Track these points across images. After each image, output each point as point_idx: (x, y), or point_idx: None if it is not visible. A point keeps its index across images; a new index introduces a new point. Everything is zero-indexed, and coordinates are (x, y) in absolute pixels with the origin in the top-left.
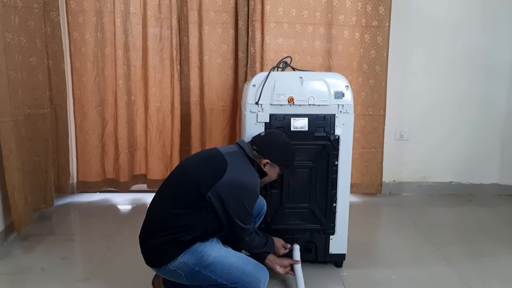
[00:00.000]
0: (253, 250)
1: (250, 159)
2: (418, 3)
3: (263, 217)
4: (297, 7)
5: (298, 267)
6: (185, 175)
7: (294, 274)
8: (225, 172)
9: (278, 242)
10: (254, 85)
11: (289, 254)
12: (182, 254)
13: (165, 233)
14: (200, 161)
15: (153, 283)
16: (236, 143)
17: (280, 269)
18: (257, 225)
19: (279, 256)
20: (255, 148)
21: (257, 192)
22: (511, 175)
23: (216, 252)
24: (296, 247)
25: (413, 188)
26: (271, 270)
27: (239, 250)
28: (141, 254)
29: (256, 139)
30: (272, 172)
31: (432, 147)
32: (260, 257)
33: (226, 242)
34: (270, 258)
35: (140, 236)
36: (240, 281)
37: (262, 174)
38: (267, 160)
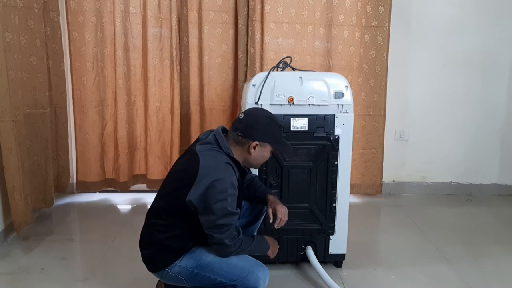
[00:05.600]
0: (242, 253)
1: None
2: (418, 3)
3: (262, 218)
4: (297, 7)
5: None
6: (165, 184)
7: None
8: (196, 175)
9: (273, 242)
10: (254, 85)
11: (305, 258)
12: (181, 259)
13: (158, 243)
14: (178, 163)
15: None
16: (214, 136)
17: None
18: (257, 227)
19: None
20: (239, 133)
21: (227, 186)
22: (510, 175)
23: None
24: (309, 247)
25: (413, 188)
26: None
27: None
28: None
29: (238, 124)
30: (264, 151)
31: (432, 147)
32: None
33: None
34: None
35: (139, 246)
36: (238, 278)
37: (238, 164)
38: (256, 142)
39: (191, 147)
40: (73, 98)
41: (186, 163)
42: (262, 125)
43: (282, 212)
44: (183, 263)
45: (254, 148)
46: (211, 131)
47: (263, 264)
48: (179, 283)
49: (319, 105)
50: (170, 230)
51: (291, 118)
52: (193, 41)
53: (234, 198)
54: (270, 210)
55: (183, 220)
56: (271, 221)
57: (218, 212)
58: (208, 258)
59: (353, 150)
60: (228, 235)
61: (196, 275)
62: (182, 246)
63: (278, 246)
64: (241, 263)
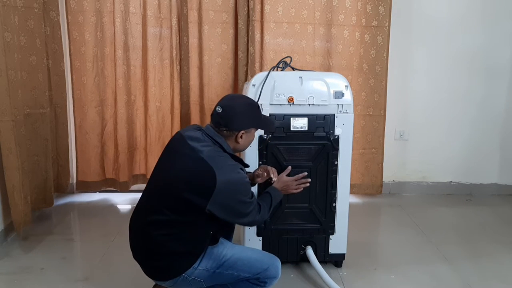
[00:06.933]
0: (268, 211)
1: (228, 152)
2: (418, 3)
3: None
4: (297, 7)
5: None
6: (172, 188)
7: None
8: (215, 185)
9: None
10: (253, 85)
11: (305, 258)
12: (199, 261)
13: (171, 252)
14: (183, 170)
15: None
16: (212, 138)
17: (294, 183)
18: None
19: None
20: (225, 129)
21: (247, 182)
22: (510, 175)
23: (232, 250)
24: (309, 247)
25: (413, 188)
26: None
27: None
28: (143, 272)
29: (219, 119)
30: (250, 136)
31: (432, 147)
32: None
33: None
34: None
35: (136, 258)
36: (261, 271)
37: (241, 162)
38: (242, 131)
39: (189, 150)
40: (73, 98)
41: (193, 170)
42: (242, 114)
43: (273, 170)
44: (203, 265)
45: (241, 136)
46: (198, 128)
47: (273, 255)
48: (196, 285)
49: (319, 105)
50: (183, 237)
51: (291, 118)
52: (193, 41)
53: (249, 188)
54: (260, 171)
55: (196, 224)
56: (265, 177)
57: (246, 209)
58: (228, 255)
59: (353, 150)
60: (255, 214)
61: (218, 275)
62: (197, 247)
63: (297, 181)
64: (260, 257)
